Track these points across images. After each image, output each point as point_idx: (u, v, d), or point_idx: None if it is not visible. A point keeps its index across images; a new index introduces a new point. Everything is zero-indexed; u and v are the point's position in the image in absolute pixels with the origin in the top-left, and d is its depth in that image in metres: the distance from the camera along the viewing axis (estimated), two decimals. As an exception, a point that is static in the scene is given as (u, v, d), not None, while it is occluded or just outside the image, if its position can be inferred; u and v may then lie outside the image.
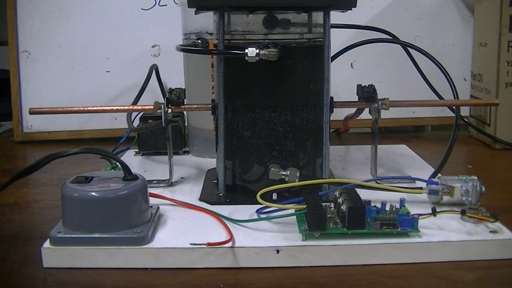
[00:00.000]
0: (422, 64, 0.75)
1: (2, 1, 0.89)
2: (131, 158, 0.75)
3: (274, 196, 0.54)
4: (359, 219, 0.45)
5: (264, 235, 0.47)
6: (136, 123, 0.75)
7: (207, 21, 0.69)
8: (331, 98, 0.57)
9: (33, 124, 0.91)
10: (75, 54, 0.90)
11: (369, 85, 0.60)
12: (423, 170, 0.64)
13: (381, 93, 0.60)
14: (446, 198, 0.52)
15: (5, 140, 0.93)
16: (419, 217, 0.46)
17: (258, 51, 0.51)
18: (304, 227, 0.46)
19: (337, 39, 0.67)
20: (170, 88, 0.60)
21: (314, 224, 0.45)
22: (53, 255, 0.45)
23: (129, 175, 0.48)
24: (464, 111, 0.90)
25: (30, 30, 0.89)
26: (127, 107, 0.62)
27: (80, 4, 0.89)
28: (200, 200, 0.57)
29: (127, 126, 0.72)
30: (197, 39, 0.70)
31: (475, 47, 0.88)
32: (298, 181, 0.54)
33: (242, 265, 0.44)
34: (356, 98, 0.61)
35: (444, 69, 0.64)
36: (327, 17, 0.54)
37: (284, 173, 0.54)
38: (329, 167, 0.58)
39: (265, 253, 0.45)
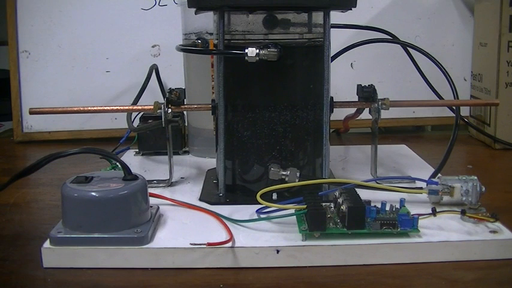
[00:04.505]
0: (422, 64, 0.75)
1: (2, 1, 0.89)
2: (131, 158, 0.75)
3: (274, 196, 0.54)
4: (359, 219, 0.45)
5: (264, 235, 0.47)
6: (136, 123, 0.75)
7: (207, 21, 0.69)
8: (331, 98, 0.57)
9: (33, 124, 0.91)
10: (75, 54, 0.90)
11: (369, 85, 0.60)
12: (423, 170, 0.64)
13: (381, 93, 0.60)
14: (446, 198, 0.52)
15: (5, 140, 0.93)
16: (419, 217, 0.46)
17: (258, 51, 0.51)
18: (304, 227, 0.46)
19: (337, 39, 0.67)
20: (170, 88, 0.60)
21: (314, 224, 0.45)
22: (53, 255, 0.45)
23: (129, 175, 0.48)
24: (464, 111, 0.90)
25: (30, 30, 0.89)
26: (127, 107, 0.62)
27: (80, 4, 0.89)
28: (200, 200, 0.57)
29: (127, 126, 0.72)
30: (197, 39, 0.70)
31: (475, 47, 0.88)
32: (298, 181, 0.54)
33: (242, 265, 0.45)
34: (356, 98, 0.61)
35: (444, 69, 0.64)
36: (327, 17, 0.54)
37: (284, 173, 0.54)
38: (329, 167, 0.58)
39: (265, 253, 0.45)
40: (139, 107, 0.61)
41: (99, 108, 0.60)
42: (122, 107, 0.61)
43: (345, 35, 0.79)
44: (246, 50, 0.51)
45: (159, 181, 0.62)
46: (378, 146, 0.62)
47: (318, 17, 0.55)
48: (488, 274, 0.43)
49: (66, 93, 0.90)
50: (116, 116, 0.91)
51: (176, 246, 0.45)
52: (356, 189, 0.49)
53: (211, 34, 0.70)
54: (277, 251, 0.45)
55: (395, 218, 0.46)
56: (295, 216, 0.48)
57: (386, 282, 0.42)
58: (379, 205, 0.47)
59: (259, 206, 0.49)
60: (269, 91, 0.55)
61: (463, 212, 0.48)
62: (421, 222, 0.46)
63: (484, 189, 0.52)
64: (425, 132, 0.99)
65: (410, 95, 0.85)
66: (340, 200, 0.48)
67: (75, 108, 0.60)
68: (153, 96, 0.83)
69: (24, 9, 0.89)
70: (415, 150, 0.77)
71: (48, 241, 0.45)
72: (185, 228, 0.49)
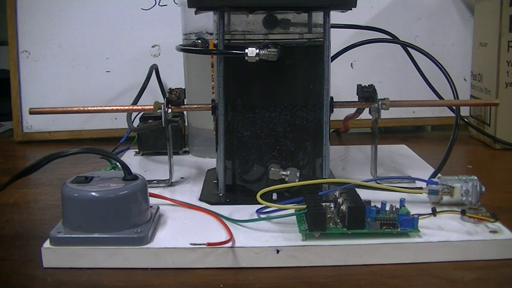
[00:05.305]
0: (422, 64, 0.75)
1: (2, 1, 0.89)
2: (131, 158, 0.75)
3: (274, 196, 0.54)
4: (359, 219, 0.45)
5: (264, 235, 0.47)
6: (136, 123, 0.75)
7: (207, 21, 0.69)
8: (331, 98, 0.57)
9: (33, 124, 0.91)
10: (75, 54, 0.90)
11: (369, 85, 0.60)
12: (423, 170, 0.64)
13: (381, 93, 0.60)
14: (446, 198, 0.52)
15: (5, 140, 0.93)
16: (419, 217, 0.46)
17: (258, 51, 0.51)
18: (304, 227, 0.46)
19: (337, 39, 0.67)
20: (170, 88, 0.60)
21: (314, 224, 0.45)
22: (53, 255, 0.45)
23: (129, 175, 0.48)
24: (464, 111, 0.90)
25: (30, 30, 0.89)
26: (127, 107, 0.62)
27: (80, 4, 0.89)
28: (200, 200, 0.57)
29: (127, 126, 0.72)
30: (197, 39, 0.70)
31: (475, 47, 0.88)
32: (298, 181, 0.54)
33: (242, 265, 0.45)
34: (356, 98, 0.61)
35: (444, 69, 0.64)
36: (327, 17, 0.54)
37: (284, 173, 0.54)
38: (329, 167, 0.58)
39: (265, 253, 0.45)
40: (139, 107, 0.61)
41: (99, 108, 0.60)
42: (122, 107, 0.61)
43: (345, 35, 0.79)
44: (246, 50, 0.51)
45: (159, 181, 0.62)
46: (378, 146, 0.62)
47: (318, 17, 0.55)
48: (488, 274, 0.43)
49: (66, 93, 0.90)
50: (116, 116, 0.91)
51: (176, 246, 0.45)
52: (356, 189, 0.49)
53: (211, 34, 0.70)
54: (277, 251, 0.45)
55: (395, 218, 0.46)
56: (295, 216, 0.48)
57: (387, 282, 0.42)
58: (379, 205, 0.47)
59: (259, 206, 0.49)
60: (269, 91, 0.55)
61: (463, 212, 0.48)
62: (421, 222, 0.46)
63: (484, 189, 0.51)
64: (425, 132, 0.99)
65: (410, 95, 0.85)
66: (340, 200, 0.48)
67: (75, 108, 0.60)
68: (153, 96, 0.83)
69: (24, 9, 0.89)
70: (415, 150, 0.77)
71: (48, 241, 0.45)
72: (185, 228, 0.49)
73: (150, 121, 0.73)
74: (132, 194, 0.46)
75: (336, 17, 0.58)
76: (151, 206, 0.50)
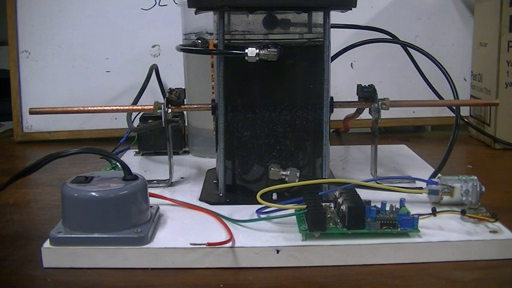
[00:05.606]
0: (422, 64, 0.75)
1: (2, 1, 0.89)
2: (131, 158, 0.75)
3: (274, 196, 0.54)
4: (359, 219, 0.45)
5: (264, 235, 0.47)
6: (136, 123, 0.75)
7: (207, 21, 0.69)
8: (331, 98, 0.57)
9: (33, 124, 0.91)
10: (75, 54, 0.90)
11: (369, 85, 0.60)
12: (423, 170, 0.64)
13: (381, 93, 0.60)
14: (446, 198, 0.52)
15: (5, 140, 0.93)
16: (419, 217, 0.46)
17: (258, 51, 0.51)
18: (304, 227, 0.46)
19: (337, 39, 0.67)
20: (170, 88, 0.60)
21: (314, 224, 0.45)
22: (53, 255, 0.45)
23: (129, 175, 0.48)
24: (464, 111, 0.90)
25: (30, 30, 0.89)
26: (127, 107, 0.62)
27: (80, 4, 0.89)
28: (200, 200, 0.57)
29: (127, 126, 0.72)
30: (197, 39, 0.70)
31: (475, 47, 0.88)
32: (298, 181, 0.54)
33: (242, 265, 0.45)
34: (356, 98, 0.61)
35: (444, 69, 0.64)
36: (327, 17, 0.54)
37: (284, 173, 0.54)
38: (329, 167, 0.58)
39: (265, 253, 0.45)
40: (139, 107, 0.61)
41: (99, 108, 0.60)
42: (122, 107, 0.61)
43: (345, 35, 0.79)
44: (246, 50, 0.51)
45: (159, 181, 0.62)
46: (378, 146, 0.62)
47: (318, 17, 0.55)
48: (488, 274, 0.43)
49: (66, 93, 0.90)
50: (116, 116, 0.91)
51: (176, 246, 0.45)
52: (356, 189, 0.49)
53: (211, 34, 0.70)
54: (277, 251, 0.45)
55: (395, 218, 0.46)
56: (295, 216, 0.48)
57: (386, 282, 0.42)
58: (379, 205, 0.47)
59: (259, 206, 0.49)
60: (269, 91, 0.55)
61: (463, 212, 0.48)
62: (421, 222, 0.46)
63: (484, 189, 0.52)
64: (425, 132, 0.99)
65: (410, 95, 0.85)
66: (340, 200, 0.48)
67: (75, 108, 0.60)
68: (153, 96, 0.83)
69: (24, 9, 0.89)
70: (415, 150, 0.77)
71: (48, 241, 0.45)
72: (185, 228, 0.49)
73: (150, 121, 0.73)
74: (132, 194, 0.46)
75: (336, 17, 0.58)
76: (151, 206, 0.50)
